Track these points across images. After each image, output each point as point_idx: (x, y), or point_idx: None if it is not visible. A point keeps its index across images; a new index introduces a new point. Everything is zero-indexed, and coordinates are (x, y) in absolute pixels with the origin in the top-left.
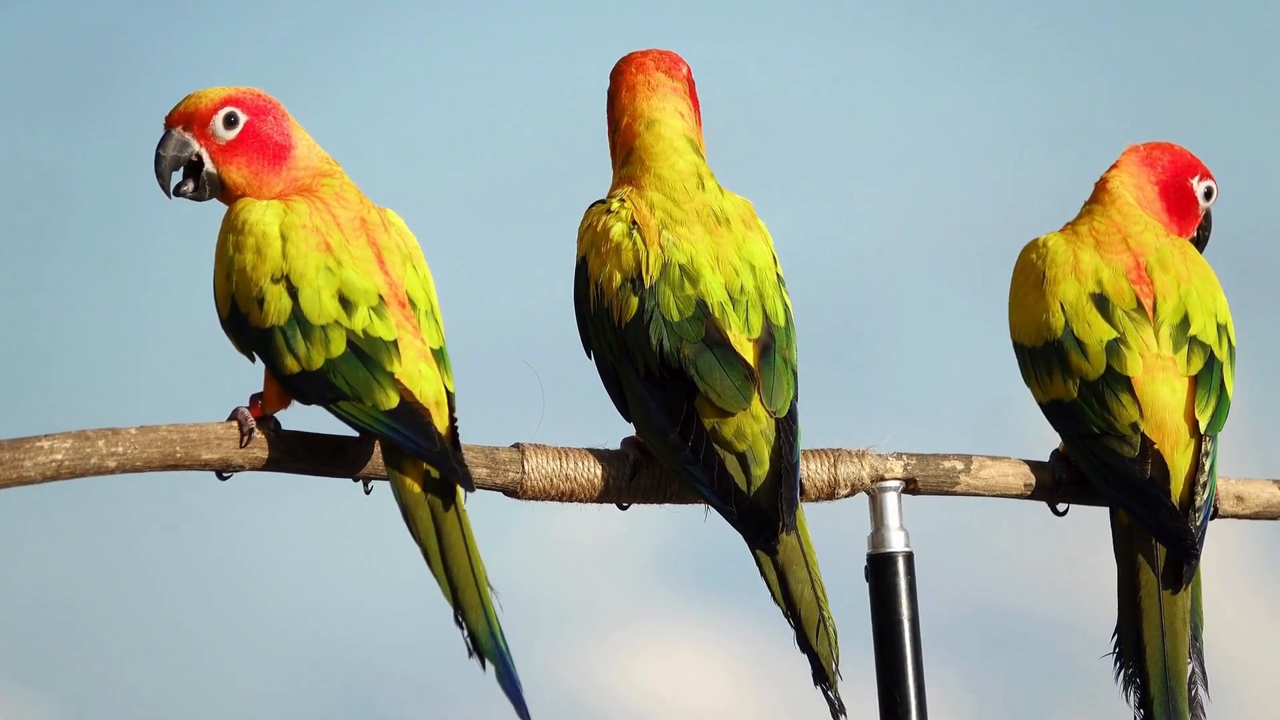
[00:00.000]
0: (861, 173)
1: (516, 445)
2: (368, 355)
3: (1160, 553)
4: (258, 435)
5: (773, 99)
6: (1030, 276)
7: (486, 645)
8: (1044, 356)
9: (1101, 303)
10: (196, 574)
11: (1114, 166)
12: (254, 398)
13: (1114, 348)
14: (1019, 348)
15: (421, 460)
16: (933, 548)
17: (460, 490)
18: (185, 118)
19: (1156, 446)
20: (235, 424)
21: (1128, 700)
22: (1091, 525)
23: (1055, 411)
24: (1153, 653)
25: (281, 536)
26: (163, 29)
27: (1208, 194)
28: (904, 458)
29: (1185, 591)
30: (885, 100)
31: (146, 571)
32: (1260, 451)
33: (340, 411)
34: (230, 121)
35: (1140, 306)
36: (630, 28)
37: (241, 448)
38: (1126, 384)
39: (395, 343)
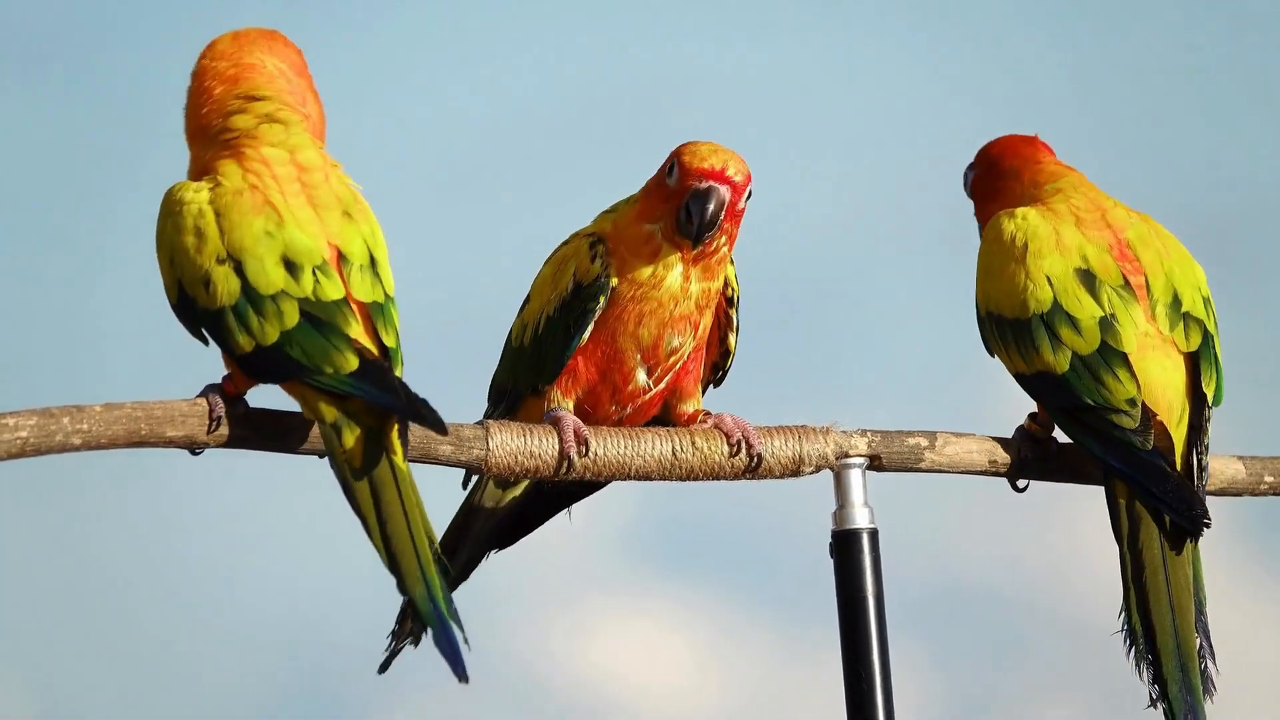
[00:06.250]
0: (825, 147)
1: (481, 422)
2: (321, 320)
3: (1156, 529)
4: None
5: (739, 71)
6: (1007, 246)
7: (424, 609)
8: (1029, 328)
9: (1088, 279)
10: (164, 552)
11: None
12: (226, 376)
13: (1107, 324)
14: (994, 318)
15: (392, 414)
16: (898, 524)
17: (400, 457)
18: None
19: (1159, 418)
20: (201, 400)
21: (1141, 677)
22: (1055, 502)
23: (1041, 384)
24: (1163, 630)
25: (252, 514)
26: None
27: None
28: (868, 434)
29: (1188, 566)
30: (848, 72)
31: (112, 550)
32: (1230, 428)
33: (307, 380)
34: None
35: (1128, 284)
36: (621, 21)
37: (209, 434)
38: (1123, 359)
39: (345, 300)
